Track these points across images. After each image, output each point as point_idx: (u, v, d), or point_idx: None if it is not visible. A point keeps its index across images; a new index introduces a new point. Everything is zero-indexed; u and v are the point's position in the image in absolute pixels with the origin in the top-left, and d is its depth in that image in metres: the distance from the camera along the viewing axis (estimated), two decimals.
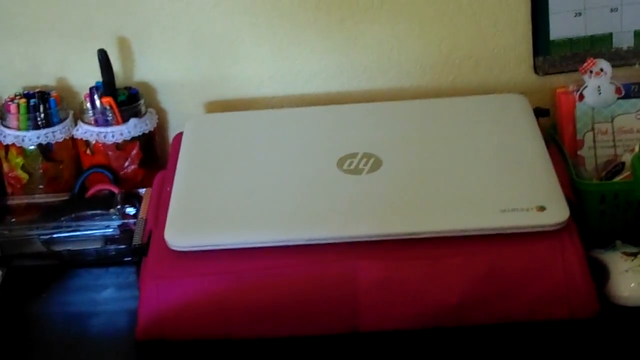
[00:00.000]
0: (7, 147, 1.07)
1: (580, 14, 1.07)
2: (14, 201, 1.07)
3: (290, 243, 0.85)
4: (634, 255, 0.89)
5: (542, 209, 0.85)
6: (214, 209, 0.88)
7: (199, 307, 0.84)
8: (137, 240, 0.92)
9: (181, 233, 0.86)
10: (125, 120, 1.06)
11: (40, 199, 1.06)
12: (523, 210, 0.85)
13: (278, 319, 0.84)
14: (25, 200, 1.06)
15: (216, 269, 0.85)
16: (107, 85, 1.05)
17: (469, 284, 0.83)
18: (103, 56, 1.04)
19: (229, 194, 0.90)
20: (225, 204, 0.89)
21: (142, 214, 0.97)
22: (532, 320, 0.84)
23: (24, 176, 1.07)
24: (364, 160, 0.93)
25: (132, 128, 1.06)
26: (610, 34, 1.08)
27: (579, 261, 0.84)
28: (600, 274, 0.88)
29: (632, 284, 0.87)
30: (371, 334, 0.85)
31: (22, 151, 1.06)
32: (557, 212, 0.85)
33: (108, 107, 1.05)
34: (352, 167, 0.92)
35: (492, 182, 0.89)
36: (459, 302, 0.83)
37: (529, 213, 0.85)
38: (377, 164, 0.92)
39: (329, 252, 0.85)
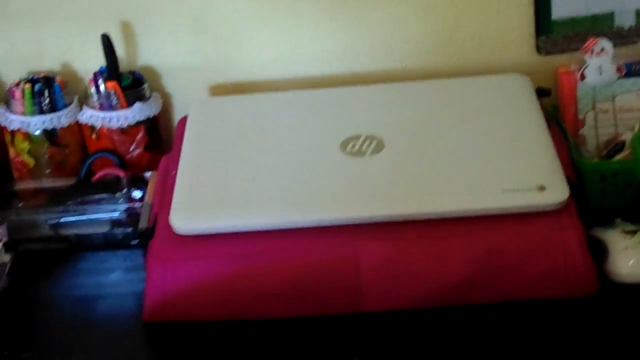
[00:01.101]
0: (12, 133, 1.07)
1: None
2: (20, 186, 1.08)
3: (294, 225, 0.86)
4: (633, 233, 0.90)
5: (542, 188, 0.86)
6: (218, 193, 0.89)
7: (204, 289, 0.85)
8: (143, 223, 0.93)
9: (186, 217, 0.87)
10: (129, 104, 1.06)
11: (47, 183, 1.07)
12: (523, 190, 0.86)
13: (282, 300, 0.85)
14: (32, 185, 1.07)
15: (221, 252, 0.86)
16: (111, 69, 1.06)
17: (470, 263, 0.84)
18: (106, 41, 1.05)
19: (233, 177, 0.91)
20: (230, 187, 0.90)
21: (148, 198, 0.98)
22: (532, 298, 0.85)
23: (31, 161, 1.08)
24: (367, 142, 0.94)
25: (137, 112, 1.06)
26: (612, 13, 1.08)
27: (578, 241, 0.85)
28: (600, 252, 0.89)
29: (631, 262, 0.88)
30: (374, 314, 0.86)
31: (27, 136, 1.07)
32: (556, 192, 0.86)
33: (112, 92, 1.06)
34: (355, 149, 0.93)
35: (493, 163, 0.90)
36: (460, 281, 0.84)
37: (529, 193, 0.86)
38: (379, 146, 0.93)
39: (332, 233, 0.86)
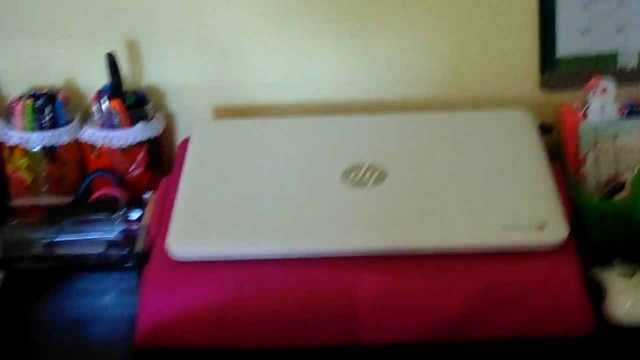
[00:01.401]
0: (11, 148, 1.07)
1: (587, 32, 1.07)
2: (16, 203, 1.07)
3: (292, 255, 0.86)
4: (632, 274, 0.90)
5: (541, 227, 0.86)
6: (217, 219, 0.89)
7: (198, 316, 0.84)
8: (139, 246, 0.92)
9: (184, 242, 0.87)
10: (132, 124, 1.06)
11: (43, 201, 1.06)
12: (523, 228, 0.86)
13: (278, 329, 0.84)
14: (29, 202, 1.06)
15: (217, 279, 0.85)
16: (115, 88, 1.06)
17: (468, 299, 0.84)
18: (111, 59, 1.05)
19: (233, 203, 0.91)
20: (229, 214, 0.89)
21: (145, 220, 0.97)
22: (529, 336, 0.85)
23: (28, 177, 1.07)
24: (369, 172, 0.93)
25: (138, 132, 1.06)
26: (616, 53, 1.08)
27: (576, 280, 0.84)
28: (598, 293, 0.88)
29: (628, 304, 0.87)
30: (371, 346, 0.85)
31: (26, 152, 1.06)
32: (556, 231, 0.86)
33: (115, 111, 1.05)
34: (356, 179, 0.93)
35: (494, 199, 0.90)
36: (457, 317, 0.84)
37: (529, 231, 0.85)
38: (381, 177, 0.93)
39: (330, 264, 0.85)
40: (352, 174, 0.93)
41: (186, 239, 0.87)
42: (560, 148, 1.05)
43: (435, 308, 0.84)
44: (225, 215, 0.89)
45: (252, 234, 0.87)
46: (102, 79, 1.08)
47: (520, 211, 0.87)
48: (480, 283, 0.84)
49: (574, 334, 0.85)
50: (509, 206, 0.88)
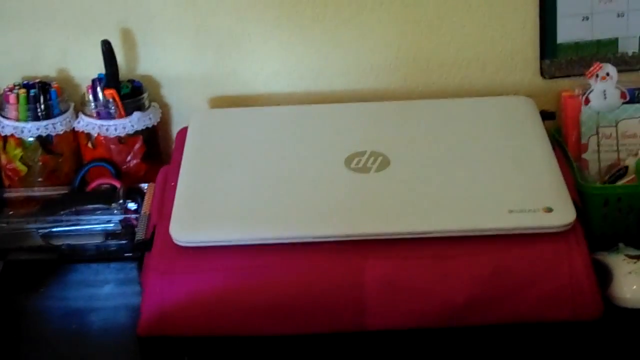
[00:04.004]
0: (5, 138, 1.05)
1: (587, 18, 1.07)
2: (11, 194, 1.05)
3: (297, 240, 0.84)
4: (637, 258, 0.89)
5: (549, 210, 0.85)
6: (219, 205, 0.88)
7: (203, 303, 0.83)
8: (140, 235, 0.91)
9: (187, 228, 0.85)
10: (128, 113, 1.04)
11: (39, 192, 1.04)
12: (530, 211, 0.85)
13: (283, 316, 0.83)
14: (24, 194, 1.05)
15: (221, 265, 0.84)
16: (111, 77, 1.04)
17: (475, 283, 0.83)
18: (107, 47, 1.03)
19: (235, 190, 0.89)
20: (231, 200, 0.88)
21: (145, 209, 0.96)
22: (536, 320, 0.84)
23: (23, 168, 1.05)
24: (372, 158, 0.92)
25: (135, 122, 1.04)
26: (616, 39, 1.08)
27: (584, 263, 0.84)
28: (604, 276, 0.88)
29: (635, 287, 0.87)
30: (377, 332, 0.84)
31: (21, 143, 1.05)
32: (563, 214, 0.85)
33: (111, 100, 1.04)
34: (359, 165, 0.92)
35: (499, 183, 0.89)
36: (465, 301, 0.83)
37: (536, 214, 0.85)
38: (384, 163, 0.92)
39: (335, 250, 0.84)
40: (355, 160, 0.92)
41: (189, 225, 0.86)
42: (560, 134, 1.05)
43: (442, 292, 0.83)
44: (228, 202, 0.88)
45: (256, 219, 0.85)
46: (94, 68, 1.06)
47: (527, 195, 0.87)
48: (488, 267, 0.83)
49: (582, 317, 0.84)
50: (515, 190, 0.88)
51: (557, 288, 0.83)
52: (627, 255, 0.90)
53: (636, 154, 1.00)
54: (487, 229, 0.84)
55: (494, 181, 0.89)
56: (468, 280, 0.83)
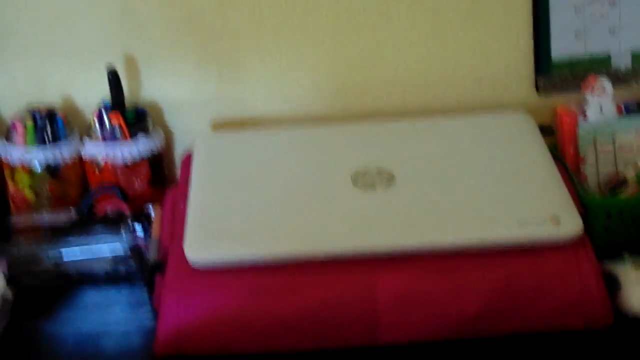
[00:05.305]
0: (13, 167, 1.06)
1: (580, 34, 1.09)
2: (20, 221, 1.05)
3: (310, 258, 0.85)
4: None
5: (557, 222, 0.87)
6: (232, 226, 0.88)
7: (218, 322, 0.84)
8: (152, 257, 0.92)
9: (201, 249, 0.86)
10: (134, 138, 1.05)
11: (47, 218, 1.04)
12: (538, 223, 0.86)
13: (298, 333, 0.84)
14: (32, 220, 1.04)
15: (235, 284, 0.85)
16: (117, 103, 1.05)
17: (487, 296, 0.84)
18: (113, 74, 1.04)
19: (246, 210, 0.90)
20: (243, 221, 0.89)
21: (154, 233, 0.96)
22: (548, 330, 0.85)
23: (31, 196, 1.06)
24: (378, 176, 0.94)
25: (141, 147, 1.05)
26: (609, 55, 1.10)
27: (594, 273, 0.85)
28: (612, 285, 0.89)
29: None
30: (390, 346, 0.85)
31: (29, 171, 1.05)
32: (571, 225, 0.87)
33: (117, 126, 1.05)
34: (366, 183, 0.93)
35: (507, 197, 0.90)
36: (477, 314, 0.84)
37: (545, 226, 0.86)
38: (391, 180, 0.93)
39: (347, 266, 0.85)
40: (362, 179, 0.94)
41: (204, 245, 0.86)
42: (557, 149, 1.07)
43: (454, 306, 0.84)
44: (240, 222, 0.89)
45: (268, 238, 0.86)
46: (98, 95, 1.07)
47: (534, 207, 0.88)
48: (499, 279, 0.84)
49: (593, 326, 0.85)
50: (521, 203, 0.89)
51: (568, 297, 0.84)
52: (634, 264, 0.91)
53: (635, 165, 1.02)
54: (497, 241, 0.86)
55: (501, 195, 0.91)
56: (479, 292, 0.84)
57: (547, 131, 1.06)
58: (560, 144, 1.07)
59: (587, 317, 0.85)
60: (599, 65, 1.10)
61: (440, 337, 0.85)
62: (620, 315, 0.88)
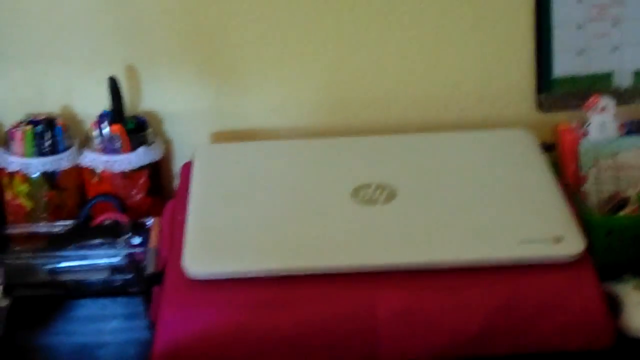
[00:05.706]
0: (11, 175, 1.05)
1: (582, 52, 1.09)
2: (16, 230, 1.04)
3: (309, 272, 0.85)
4: None
5: (558, 240, 0.86)
6: (231, 239, 0.88)
7: (216, 335, 0.83)
8: (150, 268, 0.91)
9: (200, 262, 0.85)
10: (133, 148, 1.05)
11: (44, 227, 1.04)
12: (540, 242, 0.86)
13: (296, 348, 0.83)
14: (29, 229, 1.04)
15: (234, 298, 0.84)
16: (117, 113, 1.05)
17: (488, 314, 0.83)
18: (113, 84, 1.04)
19: (246, 223, 0.90)
20: (243, 234, 0.88)
21: (152, 243, 0.96)
22: (549, 350, 0.85)
23: (28, 204, 1.05)
24: (378, 191, 0.93)
25: (140, 156, 1.05)
26: (611, 73, 1.10)
27: (596, 292, 0.85)
28: (614, 306, 0.89)
29: None
30: None
31: (26, 179, 1.04)
32: (573, 244, 0.86)
33: (116, 135, 1.04)
34: (366, 197, 0.92)
35: (508, 214, 0.90)
36: (478, 332, 0.83)
37: (547, 245, 0.86)
38: (392, 195, 0.93)
39: (348, 282, 0.84)
40: (362, 193, 0.93)
41: (202, 258, 0.86)
42: (557, 167, 1.07)
43: (455, 324, 0.83)
44: (239, 235, 0.88)
45: (267, 252, 0.86)
46: (98, 104, 1.07)
47: (536, 226, 0.88)
48: (500, 298, 0.84)
49: (595, 347, 0.84)
50: (523, 221, 0.89)
51: (569, 317, 0.84)
52: (635, 285, 0.91)
53: (636, 185, 1.02)
54: (498, 259, 0.85)
55: (503, 212, 0.90)
56: (480, 311, 0.83)
57: (548, 148, 1.06)
58: (562, 162, 1.06)
59: (588, 337, 0.84)
60: (601, 83, 1.11)
61: (440, 355, 0.84)
62: (621, 336, 0.87)
